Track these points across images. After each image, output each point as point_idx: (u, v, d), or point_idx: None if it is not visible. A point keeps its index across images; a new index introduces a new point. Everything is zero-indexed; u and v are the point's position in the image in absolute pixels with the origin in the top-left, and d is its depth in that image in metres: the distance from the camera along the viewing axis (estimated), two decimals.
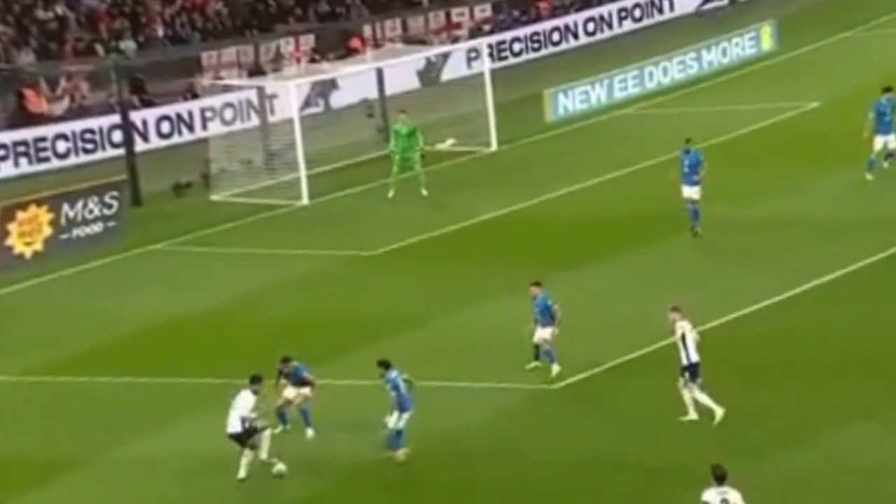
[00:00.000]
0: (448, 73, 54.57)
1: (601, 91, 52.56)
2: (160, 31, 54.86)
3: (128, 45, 53.20)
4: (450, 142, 48.16)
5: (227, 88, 50.52)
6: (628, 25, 61.90)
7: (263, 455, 26.94)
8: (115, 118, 48.39)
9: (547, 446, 27.58)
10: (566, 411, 28.96)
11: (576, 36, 60.60)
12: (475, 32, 58.65)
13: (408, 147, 43.74)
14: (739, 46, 56.46)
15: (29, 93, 50.22)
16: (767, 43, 57.00)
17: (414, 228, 40.62)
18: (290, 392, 28.35)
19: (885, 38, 55.81)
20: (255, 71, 53.51)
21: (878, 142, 40.15)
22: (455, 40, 57.76)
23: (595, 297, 34.28)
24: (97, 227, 42.06)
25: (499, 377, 30.22)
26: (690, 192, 37.50)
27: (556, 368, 30.03)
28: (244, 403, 26.80)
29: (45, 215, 41.39)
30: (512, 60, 58.10)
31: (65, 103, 50.78)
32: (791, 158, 43.64)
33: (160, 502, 26.90)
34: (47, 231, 41.38)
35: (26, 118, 49.72)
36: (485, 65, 49.56)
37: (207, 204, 45.12)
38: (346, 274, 38.08)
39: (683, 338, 27.92)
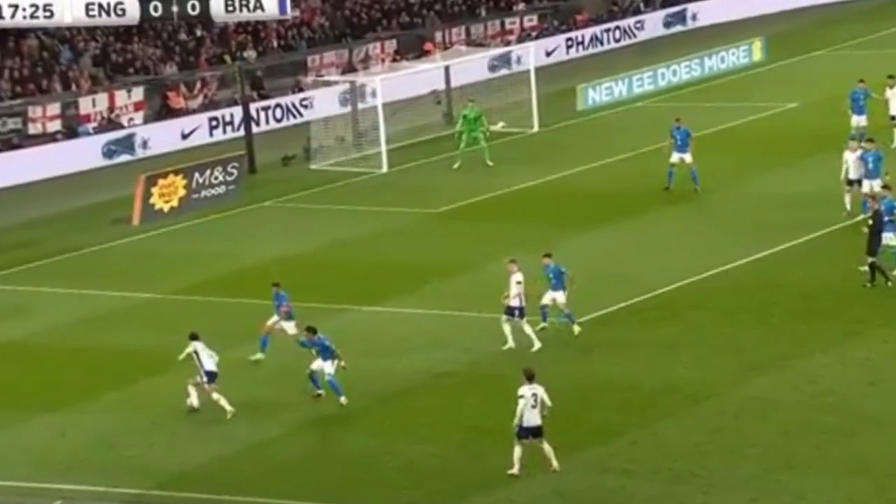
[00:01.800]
0: (502, 70, 53.78)
1: (623, 87, 51.68)
2: (275, 42, 54.81)
3: (249, 53, 53.22)
4: (500, 124, 47.40)
5: (326, 83, 50.36)
6: (645, 35, 60.92)
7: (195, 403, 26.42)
8: (238, 109, 48.16)
9: (567, 370, 26.92)
10: (584, 343, 28.24)
11: (604, 42, 59.86)
12: (524, 37, 57.98)
13: (474, 128, 43.21)
14: (735, 56, 55.42)
15: (171, 94, 50.31)
16: (758, 54, 55.98)
17: (469, 193, 39.99)
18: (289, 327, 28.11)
19: (852, 57, 54.49)
20: (349, 69, 53.20)
21: (854, 120, 40.40)
22: (507, 43, 57.15)
23: (609, 252, 33.75)
24: (220, 190, 41.77)
25: (529, 313, 29.42)
26: (681, 156, 38.05)
27: (577, 329, 28.46)
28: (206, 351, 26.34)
29: (180, 181, 41.08)
30: (552, 60, 57.29)
31: (199, 100, 50.76)
32: (773, 146, 42.66)
33: (249, 396, 26.77)
34: (181, 192, 41.09)
35: (169, 112, 49.92)
36: (531, 63, 48.79)
37: (307, 172, 44.60)
38: (416, 227, 37.64)
39: (518, 284, 27.52)
